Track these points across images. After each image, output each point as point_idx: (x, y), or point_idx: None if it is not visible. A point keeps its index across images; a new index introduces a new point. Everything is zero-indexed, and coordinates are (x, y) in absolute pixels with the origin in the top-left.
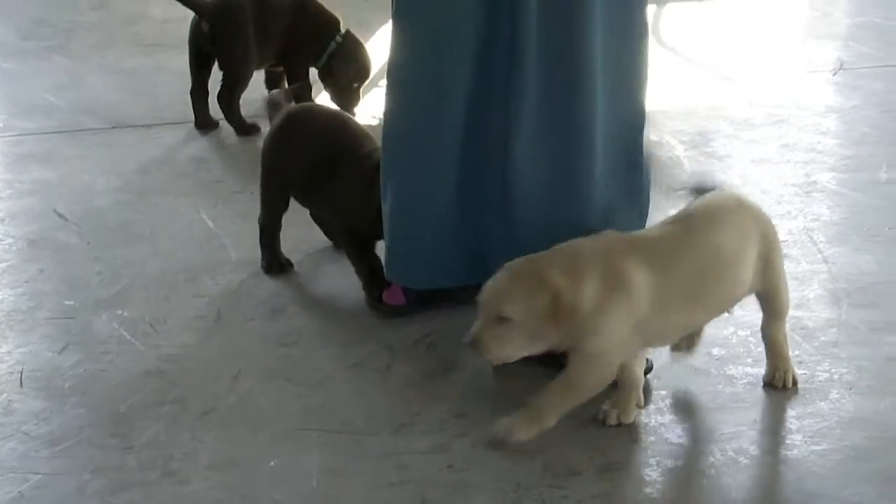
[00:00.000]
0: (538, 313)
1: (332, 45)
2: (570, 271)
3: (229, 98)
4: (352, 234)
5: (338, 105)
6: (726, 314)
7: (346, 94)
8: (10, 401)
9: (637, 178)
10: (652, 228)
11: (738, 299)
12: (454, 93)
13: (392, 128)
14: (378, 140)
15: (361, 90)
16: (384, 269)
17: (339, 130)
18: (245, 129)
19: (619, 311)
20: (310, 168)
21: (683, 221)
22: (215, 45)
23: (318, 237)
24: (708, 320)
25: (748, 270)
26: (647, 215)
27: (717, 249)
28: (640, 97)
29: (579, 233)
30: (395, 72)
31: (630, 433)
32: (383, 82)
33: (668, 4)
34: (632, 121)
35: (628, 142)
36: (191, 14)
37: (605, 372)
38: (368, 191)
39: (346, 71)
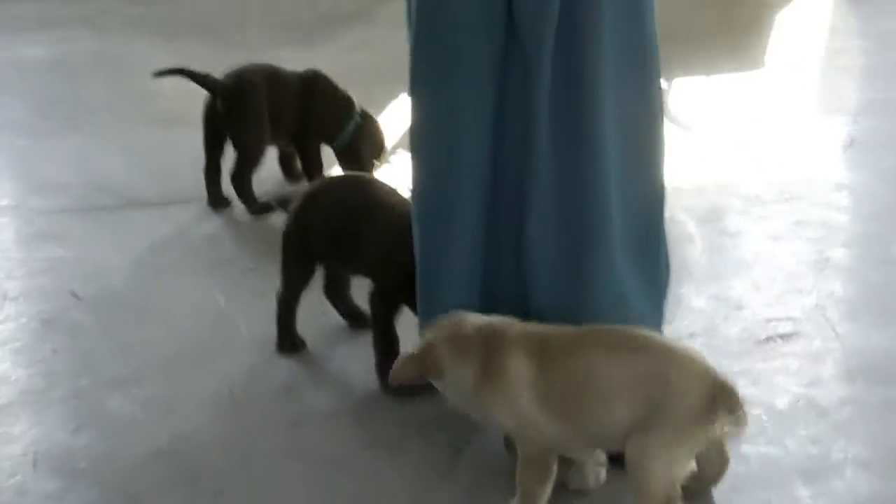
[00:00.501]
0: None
1: (352, 124)
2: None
3: (241, 177)
4: (382, 296)
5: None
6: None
7: (365, 171)
8: (24, 481)
9: (654, 262)
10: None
11: (614, 439)
12: (467, 166)
13: (416, 193)
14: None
15: (377, 166)
16: (419, 326)
17: (366, 187)
18: (257, 208)
19: (496, 394)
20: (340, 229)
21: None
22: (229, 124)
23: (332, 317)
24: (586, 448)
25: (619, 416)
26: (664, 301)
27: (591, 373)
28: (658, 176)
29: (593, 316)
30: (414, 141)
31: None
32: (392, 157)
33: (677, 79)
34: (649, 199)
35: (645, 222)
36: (205, 91)
37: (529, 451)
38: (400, 241)
39: (368, 149)
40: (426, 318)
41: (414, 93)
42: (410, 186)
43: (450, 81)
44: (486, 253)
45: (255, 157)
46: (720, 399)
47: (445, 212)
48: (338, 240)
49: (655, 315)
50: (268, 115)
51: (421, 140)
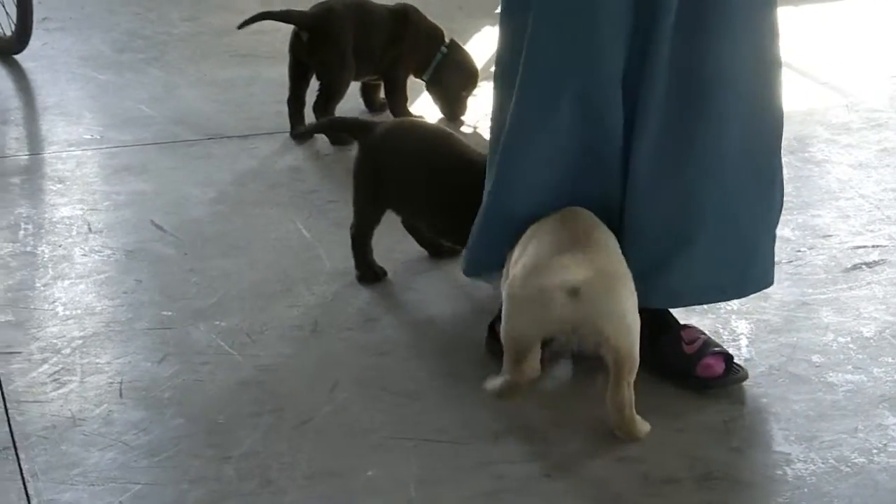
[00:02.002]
0: None
1: (439, 56)
2: None
3: (325, 109)
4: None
5: (446, 115)
6: None
7: (456, 103)
8: (110, 411)
9: (769, 185)
10: None
11: None
12: (573, 94)
13: (500, 125)
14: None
15: (468, 98)
16: (462, 266)
17: (441, 142)
18: (340, 139)
19: None
20: (410, 181)
21: None
22: (312, 55)
23: (412, 246)
24: None
25: None
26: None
27: None
28: (778, 100)
29: (699, 234)
30: (506, 68)
31: (729, 441)
32: (477, 91)
33: None
34: (769, 123)
35: (763, 149)
36: (285, 25)
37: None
38: (470, 205)
39: (457, 80)
40: (481, 247)
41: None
42: (492, 115)
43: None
44: (580, 188)
45: (338, 90)
46: None
47: (539, 142)
48: (406, 191)
49: (768, 238)
50: (354, 49)
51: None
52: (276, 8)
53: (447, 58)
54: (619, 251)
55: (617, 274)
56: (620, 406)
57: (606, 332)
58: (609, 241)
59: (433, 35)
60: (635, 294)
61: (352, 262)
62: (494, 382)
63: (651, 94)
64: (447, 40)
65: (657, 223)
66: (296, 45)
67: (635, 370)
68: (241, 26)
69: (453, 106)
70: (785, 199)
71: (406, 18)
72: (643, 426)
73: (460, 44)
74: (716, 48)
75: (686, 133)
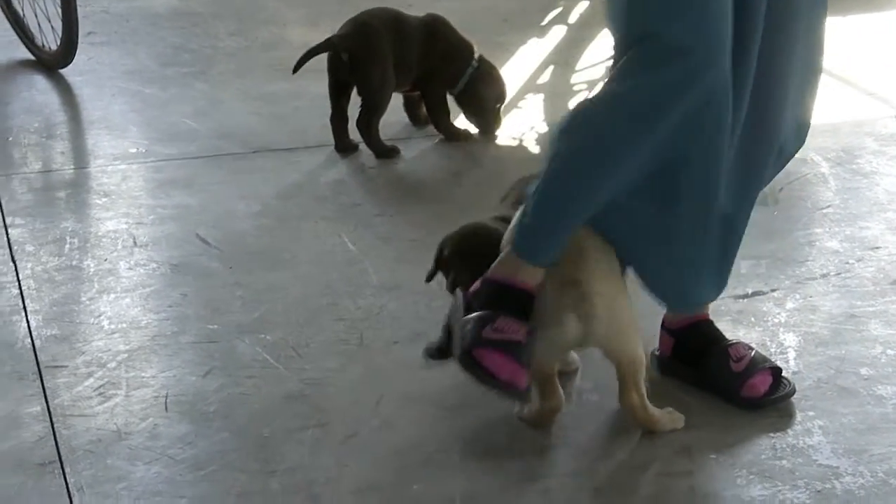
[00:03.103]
0: None
1: (469, 69)
2: None
3: (368, 124)
4: None
5: (479, 128)
6: None
7: (488, 116)
8: (155, 425)
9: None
10: None
11: None
12: None
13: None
14: None
15: (502, 112)
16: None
17: None
18: (385, 152)
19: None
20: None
21: None
22: (354, 73)
23: None
24: None
25: None
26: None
27: None
28: (809, 116)
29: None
30: None
31: (777, 455)
32: (523, 103)
33: None
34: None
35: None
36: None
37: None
38: None
39: (488, 93)
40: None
41: None
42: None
43: None
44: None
45: (380, 104)
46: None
47: None
48: None
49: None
50: (395, 61)
51: None
52: (320, 23)
53: (478, 71)
54: (612, 261)
55: (613, 290)
56: (631, 407)
57: (611, 346)
58: (601, 257)
59: (463, 48)
60: (628, 294)
61: (398, 276)
62: (525, 410)
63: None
64: (476, 55)
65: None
66: (336, 64)
67: (642, 370)
68: (295, 70)
69: (486, 119)
70: (833, 210)
71: (436, 30)
72: (673, 420)
73: (489, 60)
74: (780, 54)
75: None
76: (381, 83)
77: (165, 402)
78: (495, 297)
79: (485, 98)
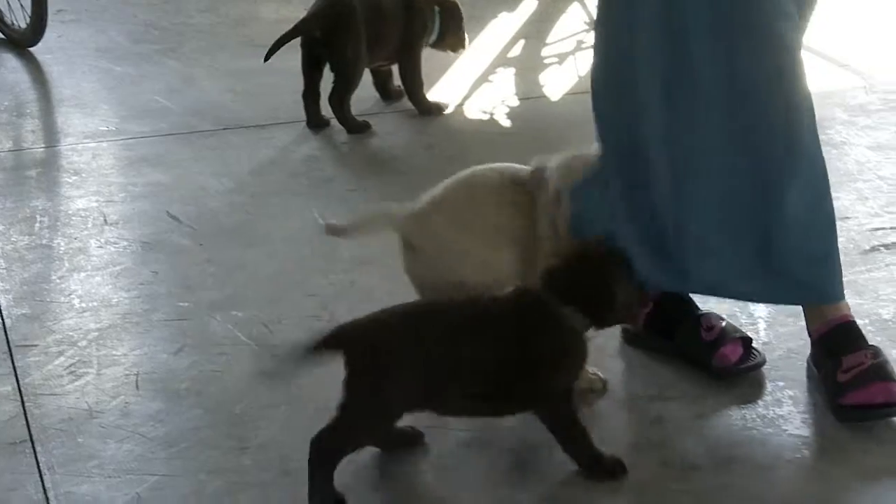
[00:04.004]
0: None
1: (437, 19)
2: None
3: (340, 100)
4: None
5: (452, 50)
6: None
7: (459, 38)
8: (126, 403)
9: None
10: None
11: None
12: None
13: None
14: None
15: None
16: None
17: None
18: (357, 127)
19: None
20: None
21: None
22: (327, 49)
23: None
24: None
25: None
26: None
27: None
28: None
29: None
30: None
31: (748, 425)
32: (494, 77)
33: None
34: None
35: None
36: (301, 13)
37: None
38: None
39: (456, 25)
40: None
41: None
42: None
43: None
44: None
45: (353, 80)
46: None
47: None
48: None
49: None
50: (367, 36)
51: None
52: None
53: (443, 17)
54: None
55: None
56: None
57: None
58: None
59: (431, 6)
60: None
61: (370, 251)
62: None
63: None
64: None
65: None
66: (309, 41)
67: None
68: (266, 58)
69: (459, 39)
70: None
71: (410, 5)
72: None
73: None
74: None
75: None
76: (355, 59)
77: (137, 380)
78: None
79: (449, 43)
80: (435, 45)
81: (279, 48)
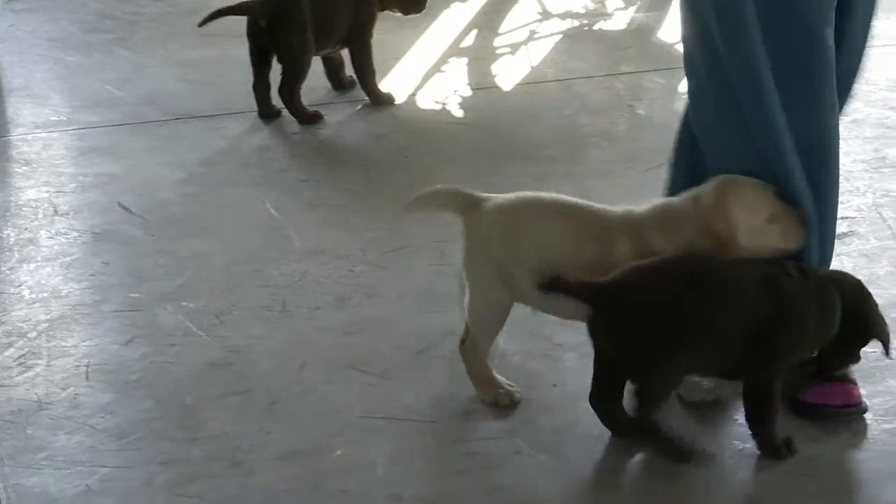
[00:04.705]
0: None
1: None
2: None
3: (290, 91)
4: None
5: (403, 12)
6: None
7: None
8: (77, 394)
9: None
10: None
11: None
12: None
13: None
14: None
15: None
16: None
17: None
18: (308, 118)
19: None
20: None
21: None
22: (272, 39)
23: (383, 224)
24: None
25: None
26: None
27: None
28: None
29: None
30: None
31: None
32: (446, 67)
33: None
34: None
35: None
36: None
37: None
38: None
39: None
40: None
41: None
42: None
43: None
44: None
45: (301, 70)
46: None
47: None
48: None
49: None
50: (314, 25)
51: None
52: None
53: None
54: None
55: None
56: None
57: None
58: None
59: None
60: None
61: (323, 242)
62: None
63: None
64: None
65: None
66: (254, 31)
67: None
68: (201, 24)
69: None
70: None
71: None
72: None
73: None
74: None
75: None
76: (301, 49)
77: (87, 372)
78: None
79: None
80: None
81: (216, 18)
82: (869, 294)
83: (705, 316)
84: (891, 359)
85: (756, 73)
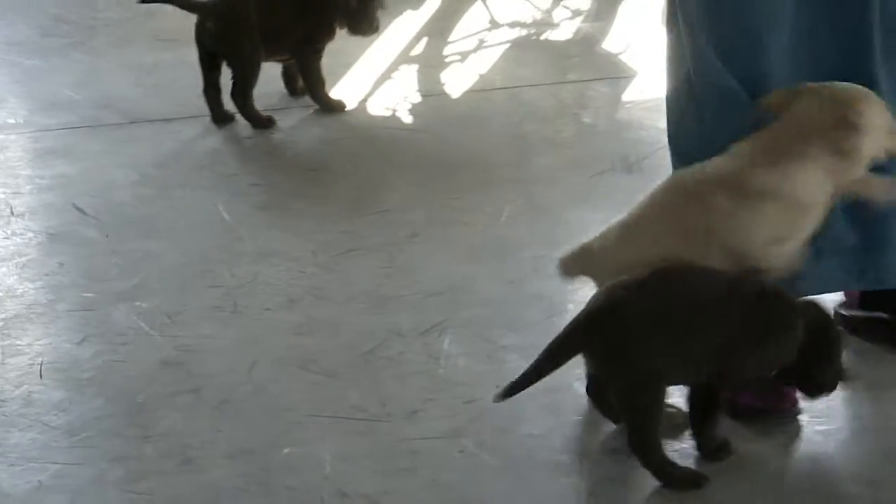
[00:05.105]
0: None
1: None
2: None
3: (241, 95)
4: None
5: (363, 34)
6: None
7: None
8: (30, 392)
9: None
10: None
11: None
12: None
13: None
14: None
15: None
16: None
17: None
18: (260, 122)
19: None
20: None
21: None
22: (220, 44)
23: (333, 227)
24: None
25: None
26: None
27: None
28: None
29: None
30: None
31: None
32: (396, 74)
33: None
34: None
35: None
36: None
37: None
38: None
39: (372, 11)
40: None
41: None
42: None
43: None
44: None
45: (250, 74)
46: None
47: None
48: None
49: None
50: (262, 30)
51: None
52: None
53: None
54: None
55: None
56: None
57: None
58: None
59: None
60: None
61: (273, 244)
62: None
63: None
64: None
65: None
66: (202, 34)
67: None
68: (141, 1)
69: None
70: None
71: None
72: None
73: None
74: None
75: None
76: (250, 53)
77: (40, 370)
78: None
79: (368, 17)
80: (350, 32)
81: (159, 1)
82: (835, 334)
83: (675, 331)
84: (809, 400)
85: None
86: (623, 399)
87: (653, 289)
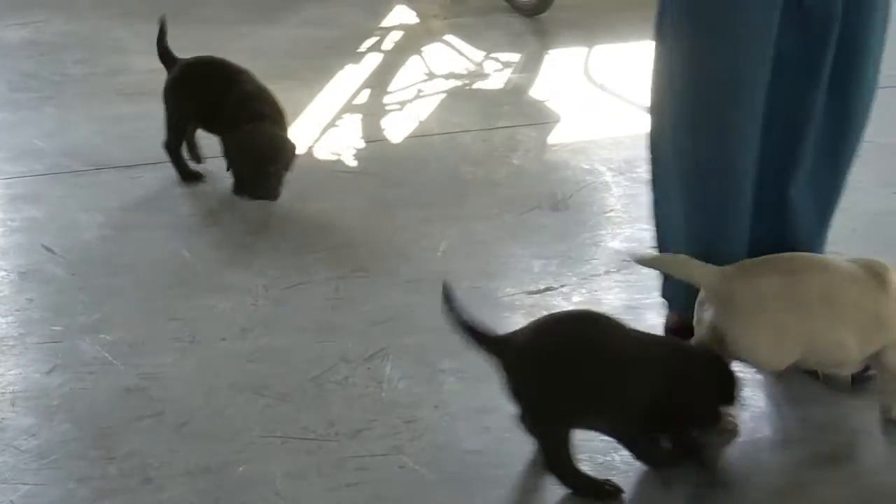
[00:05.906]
0: None
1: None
2: None
3: (168, 147)
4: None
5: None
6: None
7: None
8: (2, 419)
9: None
10: None
11: None
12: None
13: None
14: None
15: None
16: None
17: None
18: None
19: None
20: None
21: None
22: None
23: (286, 262)
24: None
25: None
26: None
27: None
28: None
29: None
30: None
31: None
32: (340, 122)
33: (597, 46)
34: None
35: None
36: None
37: None
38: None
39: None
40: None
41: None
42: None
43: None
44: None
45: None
46: None
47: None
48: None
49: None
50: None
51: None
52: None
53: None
54: None
55: None
56: None
57: None
58: None
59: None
60: None
61: (228, 279)
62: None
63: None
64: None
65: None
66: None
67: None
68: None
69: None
70: (616, 214)
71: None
72: None
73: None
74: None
75: None
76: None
77: (12, 398)
78: None
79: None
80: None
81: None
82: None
83: (594, 379)
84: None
85: None
86: (528, 428)
87: (574, 332)
